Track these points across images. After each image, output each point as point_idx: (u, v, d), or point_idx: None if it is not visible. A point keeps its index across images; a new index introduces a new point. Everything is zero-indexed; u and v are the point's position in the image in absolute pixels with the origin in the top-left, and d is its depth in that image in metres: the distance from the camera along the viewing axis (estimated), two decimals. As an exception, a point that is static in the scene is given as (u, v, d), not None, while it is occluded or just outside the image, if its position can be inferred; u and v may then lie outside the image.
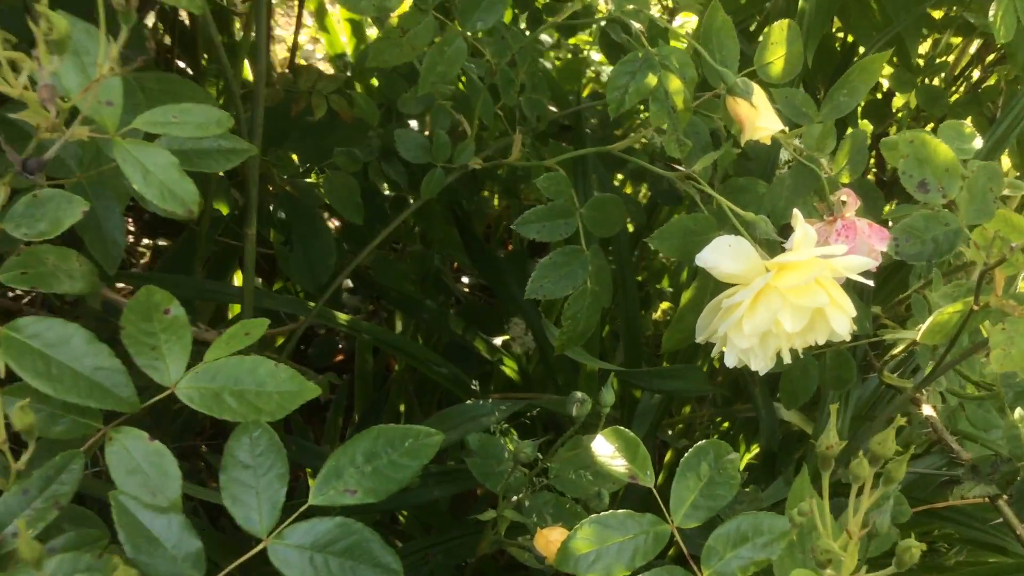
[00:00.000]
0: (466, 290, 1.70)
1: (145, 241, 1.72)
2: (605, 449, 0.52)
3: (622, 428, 0.53)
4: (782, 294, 0.60)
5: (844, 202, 0.76)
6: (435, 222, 1.26)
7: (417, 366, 1.12)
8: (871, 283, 0.61)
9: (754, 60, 0.69)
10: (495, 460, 0.69)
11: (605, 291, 0.72)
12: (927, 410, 0.73)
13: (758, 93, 0.62)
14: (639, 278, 1.47)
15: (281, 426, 1.36)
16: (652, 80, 0.63)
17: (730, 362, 0.64)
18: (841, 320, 0.61)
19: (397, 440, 0.39)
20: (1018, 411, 0.75)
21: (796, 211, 0.64)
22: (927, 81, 1.18)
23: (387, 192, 1.33)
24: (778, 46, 0.67)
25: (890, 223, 0.68)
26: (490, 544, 0.67)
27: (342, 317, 1.03)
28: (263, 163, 1.05)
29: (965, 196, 0.53)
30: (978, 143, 0.70)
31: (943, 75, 1.20)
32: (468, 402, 0.73)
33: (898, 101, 1.24)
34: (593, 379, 0.98)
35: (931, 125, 1.32)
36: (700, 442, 0.50)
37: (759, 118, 0.62)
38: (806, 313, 0.60)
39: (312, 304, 1.02)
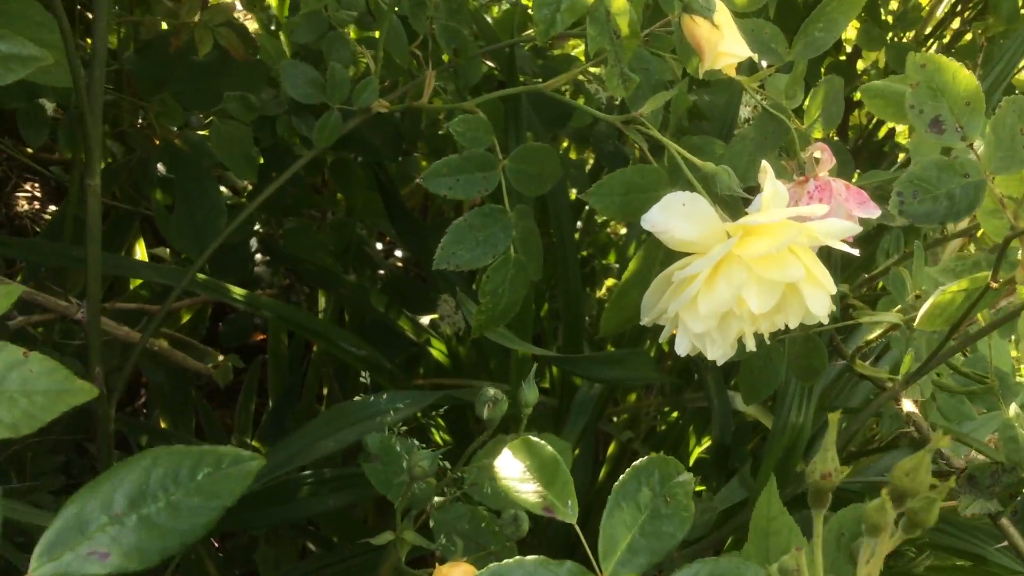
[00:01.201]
0: (400, 264, 1.56)
1: (52, 208, 1.56)
2: (512, 468, 0.39)
3: (536, 441, 0.40)
4: (747, 265, 0.48)
5: (817, 159, 0.65)
6: (354, 186, 1.12)
7: (328, 347, 0.99)
8: (856, 251, 0.49)
9: (715, -20, 0.56)
10: (398, 466, 0.57)
11: (533, 261, 0.59)
12: (908, 405, 0.62)
13: (722, 11, 0.50)
14: (583, 253, 1.35)
15: (191, 409, 1.22)
16: (590, -5, 0.51)
17: (682, 349, 0.52)
18: (819, 298, 0.50)
19: (186, 470, 0.25)
20: (1013, 407, 0.65)
21: (765, 163, 0.52)
22: (897, 38, 1.07)
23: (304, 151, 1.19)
24: (744, -38, 0.55)
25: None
26: (390, 572, 0.55)
27: (236, 291, 0.89)
28: (145, 110, 0.90)
29: (990, 138, 0.41)
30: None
31: (914, 32, 1.09)
32: (357, 398, 0.60)
33: (864, 61, 1.13)
34: (527, 365, 0.86)
35: (899, 90, 1.21)
36: (640, 460, 0.37)
37: (722, 41, 0.50)
38: (776, 289, 0.49)
39: (200, 277, 0.88)
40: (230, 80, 0.86)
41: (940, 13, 1.06)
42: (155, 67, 0.84)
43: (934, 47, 1.14)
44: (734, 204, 0.52)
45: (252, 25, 1.00)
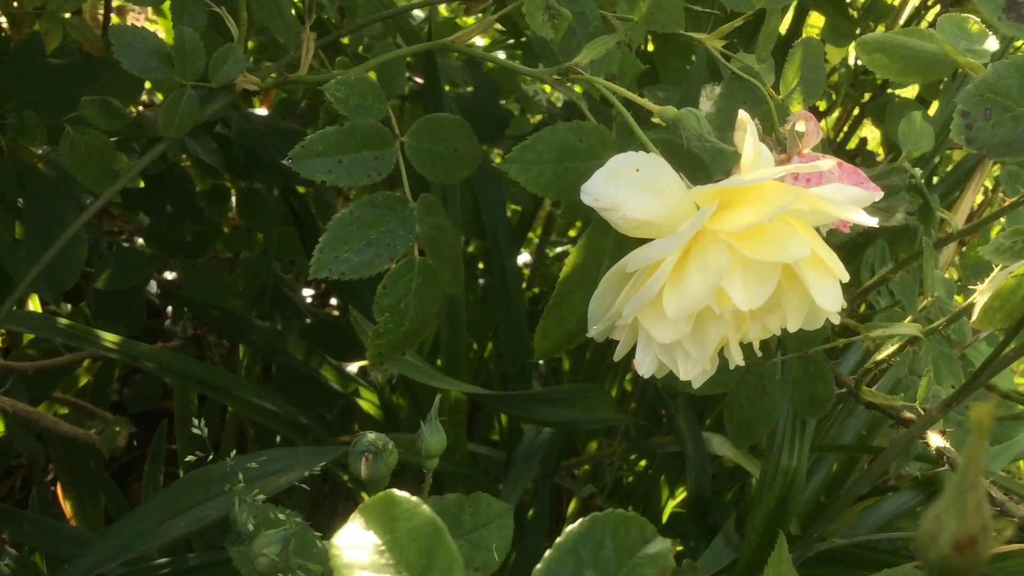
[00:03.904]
0: (336, 312, 1.40)
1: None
2: (359, 547, 0.23)
3: (403, 500, 0.24)
4: (728, 244, 0.35)
5: (801, 133, 0.52)
6: (266, 219, 0.98)
7: (230, 404, 0.84)
8: (875, 222, 0.36)
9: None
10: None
11: (447, 267, 0.45)
12: (936, 440, 0.48)
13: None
14: (533, 290, 1.21)
15: (95, 483, 1.05)
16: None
17: (645, 368, 0.38)
18: (826, 288, 0.36)
19: None
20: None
21: (743, 114, 0.39)
22: (868, 29, 0.96)
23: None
24: None
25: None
26: None
27: (108, 338, 0.73)
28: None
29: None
30: (992, 43, 0.46)
31: (885, 25, 0.99)
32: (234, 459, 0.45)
33: (832, 58, 1.03)
34: (461, 412, 0.71)
35: (868, 95, 1.11)
36: (580, 523, 0.23)
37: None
38: (770, 276, 0.35)
39: (64, 322, 0.72)
40: (97, 84, 0.72)
41: (915, 0, 0.96)
42: (6, 71, 0.70)
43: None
44: (703, 170, 0.39)
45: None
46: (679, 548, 0.85)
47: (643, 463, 0.93)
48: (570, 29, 0.43)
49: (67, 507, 1.03)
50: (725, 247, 0.34)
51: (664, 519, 0.87)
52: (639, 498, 0.88)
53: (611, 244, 0.40)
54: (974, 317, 0.36)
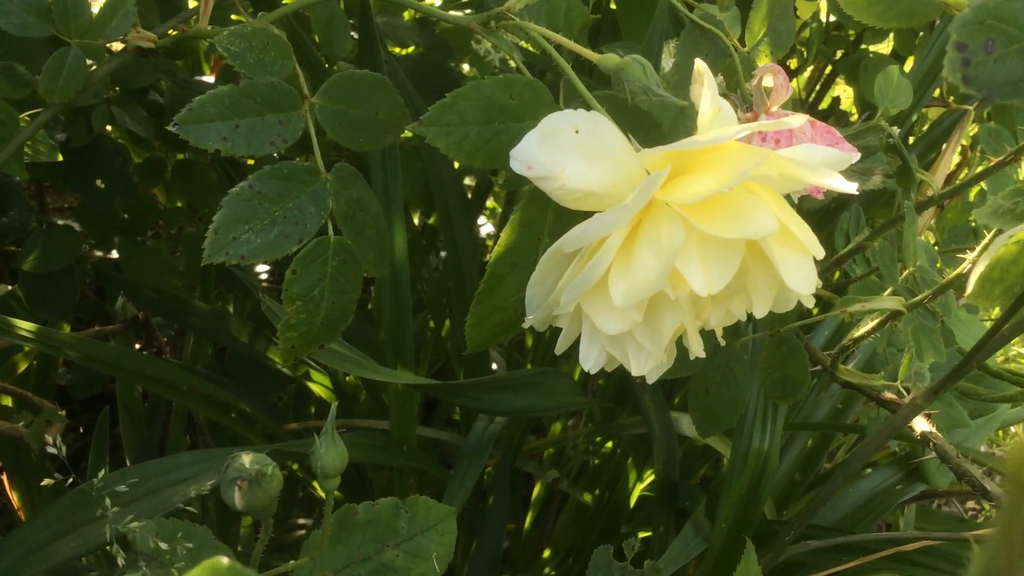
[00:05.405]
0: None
1: None
2: None
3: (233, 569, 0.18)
4: (683, 218, 0.29)
5: (768, 89, 0.47)
6: (205, 193, 0.91)
7: (162, 393, 0.78)
8: (854, 188, 0.31)
9: None
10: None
11: (369, 245, 0.40)
12: (921, 424, 0.44)
13: None
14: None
15: (42, 474, 0.99)
16: None
17: (591, 362, 0.33)
18: (798, 266, 0.31)
19: None
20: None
21: (700, 64, 0.33)
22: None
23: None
24: None
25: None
26: None
27: (23, 326, 0.67)
28: None
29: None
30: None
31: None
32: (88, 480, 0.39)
33: (803, 12, 0.97)
34: (410, 398, 0.66)
35: (840, 52, 1.06)
36: None
37: None
38: (732, 255, 0.30)
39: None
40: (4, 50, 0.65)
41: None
42: None
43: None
44: (659, 130, 0.33)
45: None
46: (647, 534, 0.81)
47: (609, 444, 0.88)
48: (504, -30, 0.37)
49: (14, 498, 0.97)
50: (679, 221, 0.29)
51: (632, 503, 0.82)
52: (606, 481, 0.83)
53: (550, 218, 0.34)
54: (968, 291, 0.31)
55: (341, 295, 0.38)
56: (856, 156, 0.39)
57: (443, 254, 1.11)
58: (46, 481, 0.37)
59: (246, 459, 0.28)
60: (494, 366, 1.09)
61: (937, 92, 0.93)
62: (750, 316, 0.41)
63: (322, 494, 0.44)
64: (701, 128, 0.32)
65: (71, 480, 0.39)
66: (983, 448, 1.06)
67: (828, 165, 0.31)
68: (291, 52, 0.38)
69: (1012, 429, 1.58)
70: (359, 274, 0.39)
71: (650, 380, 0.33)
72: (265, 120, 0.37)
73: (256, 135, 0.37)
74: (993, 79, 0.22)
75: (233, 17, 0.70)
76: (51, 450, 0.33)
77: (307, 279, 0.38)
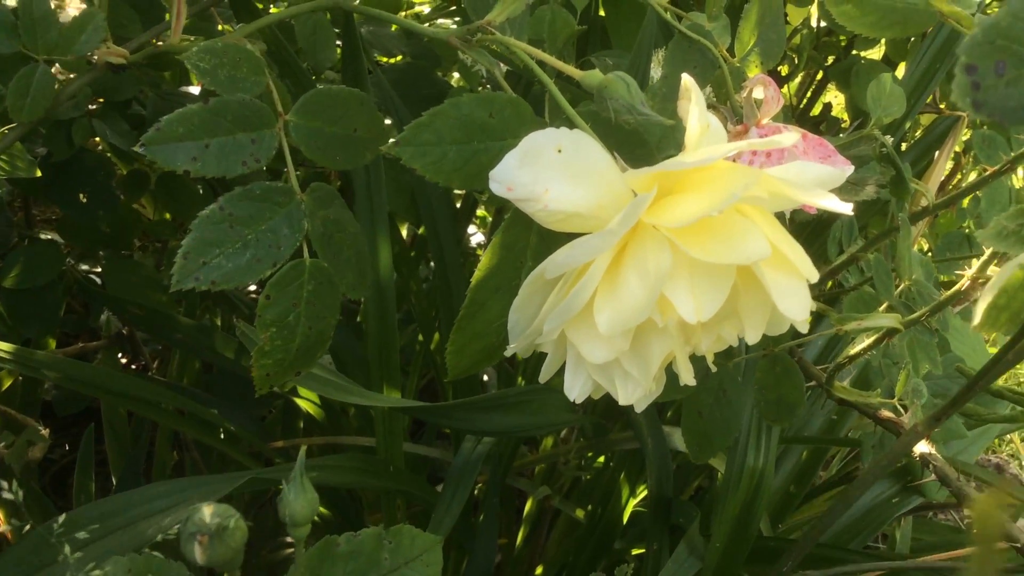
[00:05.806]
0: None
1: None
2: None
3: None
4: (671, 242, 0.28)
5: (759, 101, 0.46)
6: (185, 202, 0.90)
7: (142, 412, 0.76)
8: (849, 209, 0.29)
9: None
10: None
11: (348, 269, 0.38)
12: (921, 446, 0.42)
13: None
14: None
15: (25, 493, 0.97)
16: None
17: (576, 392, 0.31)
18: (792, 291, 0.30)
19: None
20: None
21: (687, 78, 0.32)
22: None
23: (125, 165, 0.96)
24: None
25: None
26: None
27: (2, 347, 0.65)
28: None
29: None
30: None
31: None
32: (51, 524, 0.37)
33: (794, 18, 0.96)
34: (397, 419, 0.64)
35: (831, 58, 1.05)
36: None
37: None
38: (722, 280, 0.29)
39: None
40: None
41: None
42: None
43: None
44: (646, 147, 0.32)
45: None
46: (641, 551, 0.80)
47: (601, 459, 0.87)
48: (485, -18, 0.36)
49: (-1, 516, 0.95)
50: (667, 246, 0.28)
51: (625, 519, 0.81)
52: (598, 497, 0.82)
53: (533, 240, 0.33)
54: (975, 320, 0.30)
55: (318, 320, 0.37)
56: (849, 170, 0.38)
57: (432, 264, 1.10)
58: (3, 528, 0.36)
59: (207, 511, 0.26)
60: (485, 378, 1.07)
61: (930, 98, 0.92)
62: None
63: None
64: (689, 146, 0.30)
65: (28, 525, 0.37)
66: (981, 455, 1.05)
67: (820, 183, 0.30)
68: (264, 68, 0.37)
69: (1008, 437, 1.57)
70: (337, 298, 0.37)
71: (638, 409, 0.32)
72: (237, 139, 0.35)
73: (227, 155, 0.35)
74: (1005, 103, 0.21)
75: (220, 28, 0.68)
76: (7, 496, 0.31)
77: (282, 304, 0.36)
